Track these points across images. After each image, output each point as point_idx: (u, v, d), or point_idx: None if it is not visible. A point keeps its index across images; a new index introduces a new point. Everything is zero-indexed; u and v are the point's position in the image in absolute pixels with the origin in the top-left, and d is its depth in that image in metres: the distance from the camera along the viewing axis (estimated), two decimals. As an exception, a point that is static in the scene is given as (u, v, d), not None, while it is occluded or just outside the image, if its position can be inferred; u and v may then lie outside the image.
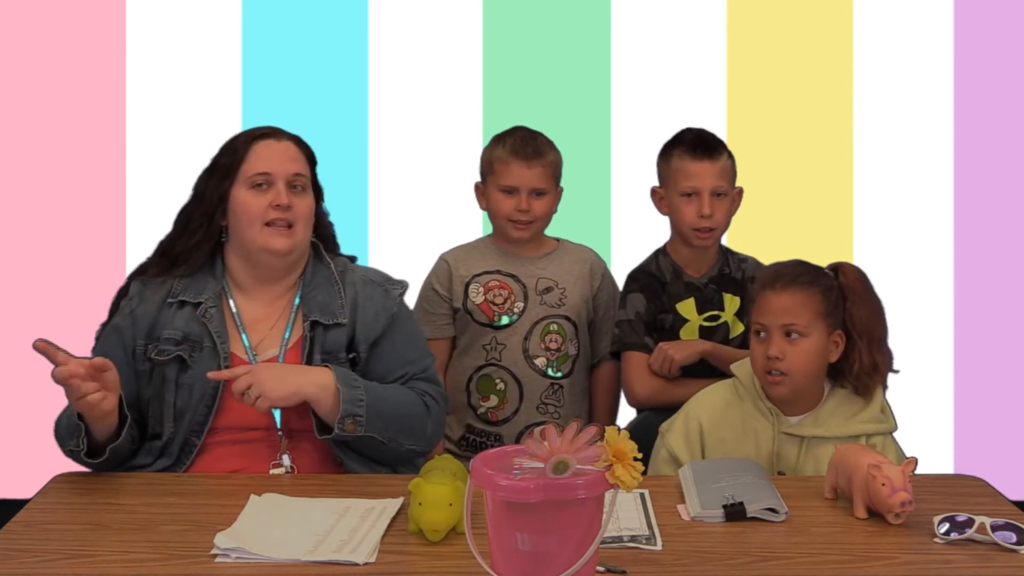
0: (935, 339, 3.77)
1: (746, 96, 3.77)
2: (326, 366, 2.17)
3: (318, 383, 2.11)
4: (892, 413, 2.30)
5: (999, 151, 3.77)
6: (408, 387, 2.26)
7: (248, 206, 2.20)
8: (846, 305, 2.25)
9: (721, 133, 2.77)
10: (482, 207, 2.85)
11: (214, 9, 3.75)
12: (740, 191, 2.77)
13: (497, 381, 2.79)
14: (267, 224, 2.21)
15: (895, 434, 2.30)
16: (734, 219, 2.78)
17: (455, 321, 2.82)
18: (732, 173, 2.74)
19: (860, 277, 2.29)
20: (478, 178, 2.85)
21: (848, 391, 2.27)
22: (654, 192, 2.78)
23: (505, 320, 2.79)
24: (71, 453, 2.11)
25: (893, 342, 2.31)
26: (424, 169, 3.77)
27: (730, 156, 2.74)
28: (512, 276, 2.81)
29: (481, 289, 2.80)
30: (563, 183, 2.83)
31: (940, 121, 3.77)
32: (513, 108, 3.71)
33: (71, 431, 2.09)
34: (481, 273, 2.82)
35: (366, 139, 3.79)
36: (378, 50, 3.78)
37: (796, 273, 2.24)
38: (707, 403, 2.35)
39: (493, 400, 2.80)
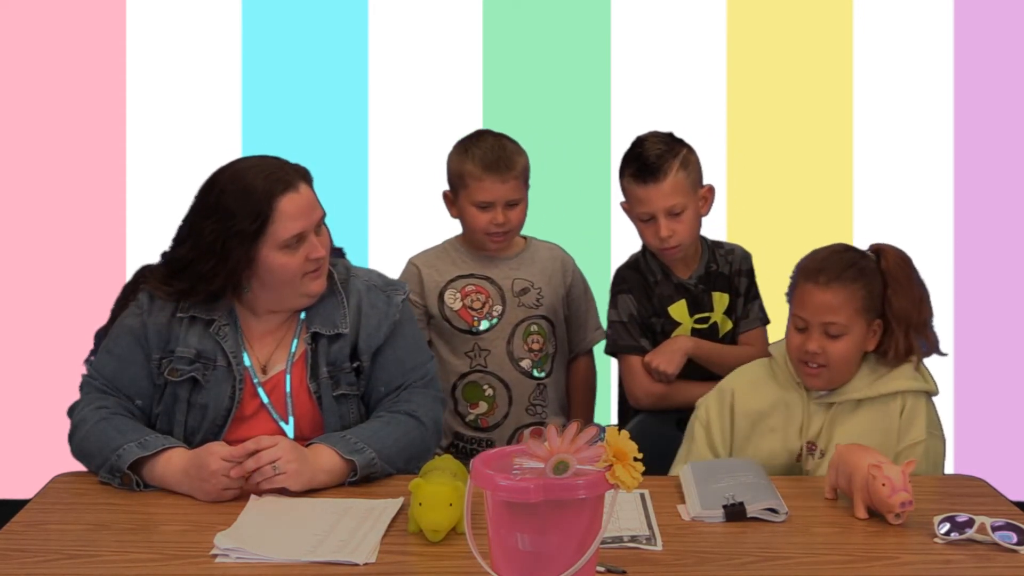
0: (935, 339, 3.77)
1: (746, 95, 3.76)
2: (322, 442, 2.10)
3: (325, 469, 2.05)
4: (931, 376, 2.25)
5: (999, 150, 3.77)
6: (397, 409, 2.20)
7: (287, 268, 2.15)
8: (886, 292, 2.21)
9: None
10: (453, 215, 2.79)
11: (214, 9, 3.75)
12: (710, 189, 2.67)
13: (485, 387, 2.77)
14: (304, 274, 2.18)
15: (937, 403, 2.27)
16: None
17: (429, 327, 2.78)
18: (689, 182, 2.62)
19: (902, 263, 2.24)
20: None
21: (878, 355, 2.25)
22: (624, 207, 2.72)
23: (485, 325, 2.76)
24: (103, 480, 2.07)
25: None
26: (424, 169, 3.76)
27: (684, 164, 2.60)
28: (487, 279, 2.78)
29: (458, 295, 2.76)
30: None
31: (940, 120, 3.77)
32: (513, 108, 3.71)
33: (109, 468, 2.04)
34: (455, 278, 2.78)
35: (366, 139, 3.78)
36: (378, 50, 3.78)
37: (840, 268, 2.20)
38: (741, 376, 2.38)
39: (483, 407, 2.77)
